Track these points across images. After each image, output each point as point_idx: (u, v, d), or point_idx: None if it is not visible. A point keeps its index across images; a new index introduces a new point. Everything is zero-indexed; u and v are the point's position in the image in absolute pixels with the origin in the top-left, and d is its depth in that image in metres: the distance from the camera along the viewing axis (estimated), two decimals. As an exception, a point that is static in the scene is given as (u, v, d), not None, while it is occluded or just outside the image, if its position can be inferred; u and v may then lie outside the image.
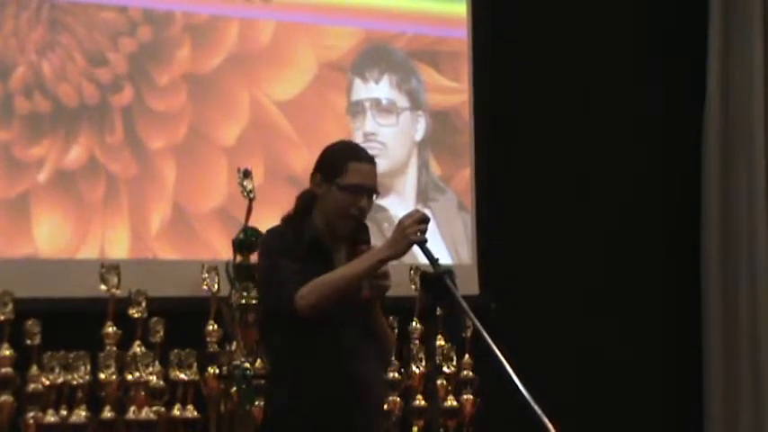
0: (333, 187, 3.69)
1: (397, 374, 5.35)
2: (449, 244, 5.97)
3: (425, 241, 3.56)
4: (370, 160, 3.77)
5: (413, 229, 3.55)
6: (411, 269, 5.24)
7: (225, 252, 5.23)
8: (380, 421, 3.94)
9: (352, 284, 3.60)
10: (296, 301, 3.56)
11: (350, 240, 3.74)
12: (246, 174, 5.19)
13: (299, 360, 3.65)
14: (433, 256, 3.55)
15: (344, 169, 3.70)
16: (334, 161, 3.74)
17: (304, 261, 3.64)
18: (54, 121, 5.24)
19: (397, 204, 5.31)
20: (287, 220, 3.80)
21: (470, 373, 5.56)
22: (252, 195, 5.16)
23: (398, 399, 5.35)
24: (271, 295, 3.68)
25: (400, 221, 3.59)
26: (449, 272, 3.53)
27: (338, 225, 3.72)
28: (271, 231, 3.79)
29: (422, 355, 5.41)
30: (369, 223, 3.85)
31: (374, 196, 3.76)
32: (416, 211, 3.64)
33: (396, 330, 4.95)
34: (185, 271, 5.30)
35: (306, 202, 3.78)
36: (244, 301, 5.07)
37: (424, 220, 3.58)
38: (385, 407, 4.04)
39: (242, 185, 5.16)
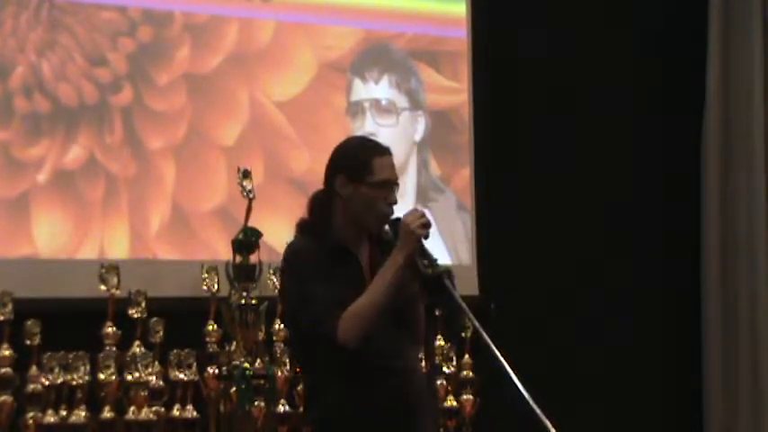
0: (362, 187, 3.59)
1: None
2: (448, 244, 5.97)
3: (428, 236, 3.56)
4: (389, 151, 3.69)
5: (416, 224, 3.54)
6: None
7: (225, 252, 5.23)
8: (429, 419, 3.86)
9: (385, 302, 3.52)
10: (339, 339, 3.48)
11: (372, 237, 3.67)
12: (246, 174, 5.18)
13: (340, 375, 3.57)
14: (431, 257, 3.55)
15: (371, 166, 3.61)
16: (357, 159, 3.63)
17: (331, 268, 3.56)
18: (53, 121, 5.24)
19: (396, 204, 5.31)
20: (304, 227, 3.70)
21: (470, 374, 5.56)
22: (251, 195, 5.15)
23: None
24: (307, 329, 3.56)
25: (402, 221, 3.58)
26: (447, 272, 3.53)
27: (371, 223, 3.63)
28: (292, 248, 3.66)
29: (421, 355, 5.40)
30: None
31: (397, 187, 3.69)
32: (415, 209, 3.64)
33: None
34: (185, 271, 5.30)
35: (321, 206, 3.68)
36: (243, 302, 5.07)
37: (424, 218, 3.57)
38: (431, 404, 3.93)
39: (241, 185, 5.16)
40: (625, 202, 6.52)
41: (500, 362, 3.35)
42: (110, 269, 5.01)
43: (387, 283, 3.52)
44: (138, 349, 4.97)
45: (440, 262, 3.56)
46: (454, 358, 5.52)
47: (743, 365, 6.58)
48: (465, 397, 5.54)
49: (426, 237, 3.55)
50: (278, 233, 5.52)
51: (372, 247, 3.68)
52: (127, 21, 5.43)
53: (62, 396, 4.86)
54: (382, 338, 3.56)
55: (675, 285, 6.65)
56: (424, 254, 3.55)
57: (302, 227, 3.71)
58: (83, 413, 4.84)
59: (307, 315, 3.55)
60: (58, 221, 5.21)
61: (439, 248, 5.76)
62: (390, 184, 3.65)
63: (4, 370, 4.79)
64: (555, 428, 3.23)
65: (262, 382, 5.02)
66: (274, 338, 5.24)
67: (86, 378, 4.86)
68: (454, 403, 5.50)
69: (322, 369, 3.59)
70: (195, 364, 5.06)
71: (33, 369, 4.83)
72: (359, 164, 3.62)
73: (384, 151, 3.67)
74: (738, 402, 6.58)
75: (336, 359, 3.52)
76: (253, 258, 5.15)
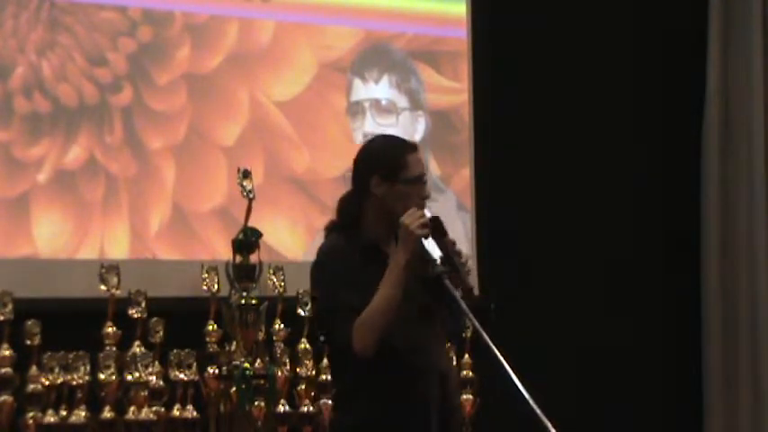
0: (397, 184, 3.62)
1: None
2: (448, 244, 5.96)
3: (428, 235, 3.56)
4: (418, 147, 3.75)
5: (415, 224, 3.55)
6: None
7: (225, 252, 5.23)
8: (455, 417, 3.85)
9: (393, 306, 3.54)
10: (354, 348, 3.51)
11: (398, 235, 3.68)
12: (246, 174, 5.18)
13: (369, 381, 3.57)
14: (431, 257, 3.55)
15: (405, 163, 3.64)
16: (392, 158, 3.66)
17: (362, 266, 3.58)
18: (54, 121, 5.24)
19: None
20: (334, 228, 3.72)
21: (470, 373, 5.56)
22: (251, 195, 5.15)
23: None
24: (336, 337, 3.60)
25: (401, 222, 3.58)
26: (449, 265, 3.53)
27: None
28: (321, 250, 3.69)
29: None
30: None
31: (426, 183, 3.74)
32: (414, 209, 3.63)
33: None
34: (185, 271, 5.30)
35: (351, 207, 3.70)
36: (243, 302, 5.07)
37: (423, 218, 3.58)
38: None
39: (241, 185, 5.16)
40: (625, 201, 6.52)
41: (500, 362, 3.35)
42: (110, 269, 5.01)
43: (391, 286, 3.53)
44: (138, 349, 4.97)
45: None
46: (454, 358, 5.52)
47: (743, 365, 6.58)
48: (465, 397, 5.54)
49: (426, 236, 3.56)
50: (278, 233, 5.54)
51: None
52: (127, 21, 5.43)
53: (62, 396, 4.86)
54: (409, 341, 3.56)
55: (675, 285, 6.65)
56: (426, 254, 3.55)
57: (332, 228, 3.73)
58: (83, 413, 4.83)
59: (331, 323, 3.59)
60: (58, 221, 5.21)
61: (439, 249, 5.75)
62: (423, 180, 3.69)
63: (4, 370, 4.78)
64: (555, 428, 3.23)
65: (262, 382, 5.02)
66: (274, 338, 5.24)
67: (86, 378, 4.87)
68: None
69: (351, 376, 3.61)
70: (195, 364, 5.07)
71: (33, 369, 4.82)
72: (394, 162, 3.64)
73: (414, 148, 3.72)
74: (738, 402, 6.57)
75: (363, 365, 3.53)
76: (253, 258, 5.15)
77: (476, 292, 3.67)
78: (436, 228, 3.62)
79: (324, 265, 3.65)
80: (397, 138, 3.86)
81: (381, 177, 3.63)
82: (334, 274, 3.60)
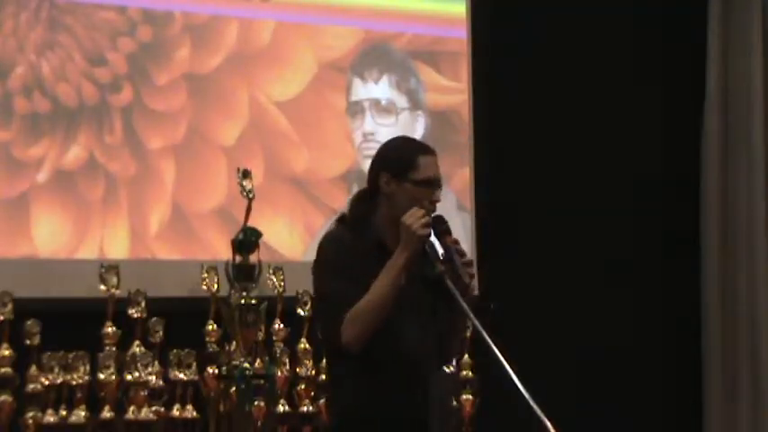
0: (406, 183, 3.62)
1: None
2: (448, 244, 5.96)
3: (430, 234, 3.56)
4: (434, 151, 3.73)
5: (417, 224, 3.54)
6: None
7: (225, 252, 5.23)
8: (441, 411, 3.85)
9: (386, 303, 3.54)
10: (342, 341, 3.51)
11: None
12: (246, 174, 5.18)
13: (351, 376, 3.59)
14: (434, 257, 3.55)
15: (415, 164, 3.63)
16: (403, 157, 3.66)
17: (363, 264, 3.56)
18: (53, 121, 5.24)
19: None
20: (345, 221, 3.72)
21: (470, 373, 5.56)
22: (251, 195, 5.16)
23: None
24: (323, 325, 3.63)
25: (402, 222, 3.57)
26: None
27: None
28: (324, 238, 3.70)
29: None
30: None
31: (440, 188, 3.71)
32: (416, 209, 3.63)
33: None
34: (185, 271, 5.30)
35: (363, 203, 3.71)
36: (243, 302, 5.07)
37: (425, 218, 3.57)
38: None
39: (241, 185, 5.16)
40: (625, 201, 6.52)
41: (500, 362, 3.35)
42: (110, 269, 5.02)
43: (386, 285, 3.52)
44: (138, 349, 4.98)
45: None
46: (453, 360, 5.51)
47: (743, 366, 6.58)
48: (465, 397, 5.54)
49: (428, 236, 3.55)
50: (278, 233, 5.54)
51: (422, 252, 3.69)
52: (127, 21, 5.43)
53: (62, 396, 4.86)
54: (403, 344, 3.56)
55: (675, 285, 6.64)
56: (427, 255, 3.55)
57: (341, 221, 3.73)
58: (82, 413, 4.84)
59: (320, 314, 3.62)
60: (58, 221, 5.21)
61: (439, 248, 5.74)
62: (434, 183, 3.67)
63: (4, 370, 4.79)
64: (555, 428, 3.23)
65: (262, 382, 5.02)
66: (274, 338, 5.24)
67: (86, 378, 4.87)
68: (454, 403, 5.50)
69: (336, 369, 3.63)
70: (195, 364, 5.07)
71: (33, 369, 4.83)
72: (404, 161, 3.64)
73: (429, 150, 3.70)
74: (738, 402, 6.57)
75: (346, 360, 3.54)
76: (253, 258, 5.15)
77: (475, 291, 3.65)
78: (439, 227, 3.61)
79: (320, 256, 3.65)
80: (414, 140, 3.87)
81: (391, 175, 3.64)
82: (330, 263, 3.60)
